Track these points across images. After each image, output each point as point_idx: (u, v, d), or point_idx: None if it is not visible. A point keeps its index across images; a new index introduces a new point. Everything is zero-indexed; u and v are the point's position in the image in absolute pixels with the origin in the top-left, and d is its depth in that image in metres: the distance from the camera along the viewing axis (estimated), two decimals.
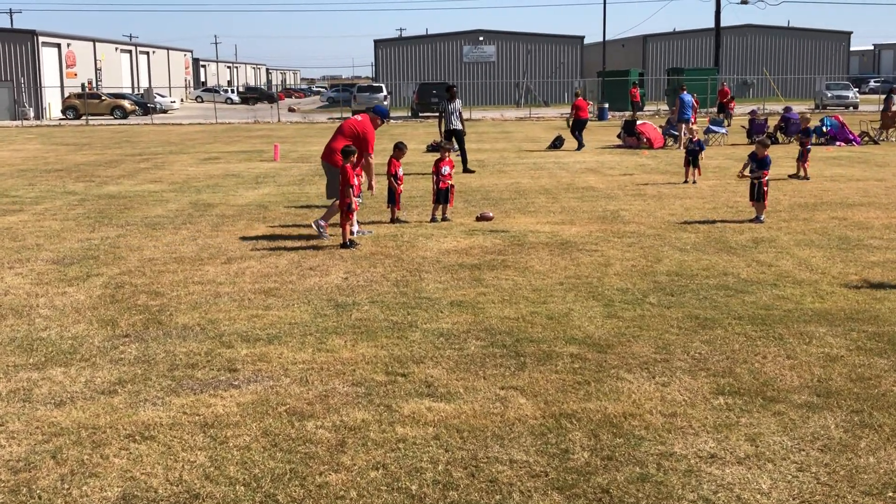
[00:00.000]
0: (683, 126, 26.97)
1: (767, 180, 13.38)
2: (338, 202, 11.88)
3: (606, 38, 61.09)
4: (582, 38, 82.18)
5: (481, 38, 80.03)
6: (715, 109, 43.33)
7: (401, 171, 13.76)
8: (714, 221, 13.38)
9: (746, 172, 13.55)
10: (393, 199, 13.68)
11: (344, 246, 11.45)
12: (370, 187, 12.99)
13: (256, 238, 12.48)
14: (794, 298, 8.66)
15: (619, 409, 5.81)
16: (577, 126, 28.92)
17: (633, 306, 8.44)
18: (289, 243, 12.00)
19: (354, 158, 11.79)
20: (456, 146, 21.87)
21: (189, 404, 6.00)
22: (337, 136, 12.57)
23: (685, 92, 28.43)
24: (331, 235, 12.03)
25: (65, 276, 10.16)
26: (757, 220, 13.21)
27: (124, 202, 16.79)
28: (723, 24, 66.16)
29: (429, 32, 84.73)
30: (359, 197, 14.09)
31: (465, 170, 21.35)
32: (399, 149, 13.80)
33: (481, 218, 13.69)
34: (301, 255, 11.17)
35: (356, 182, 11.74)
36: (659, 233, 12.47)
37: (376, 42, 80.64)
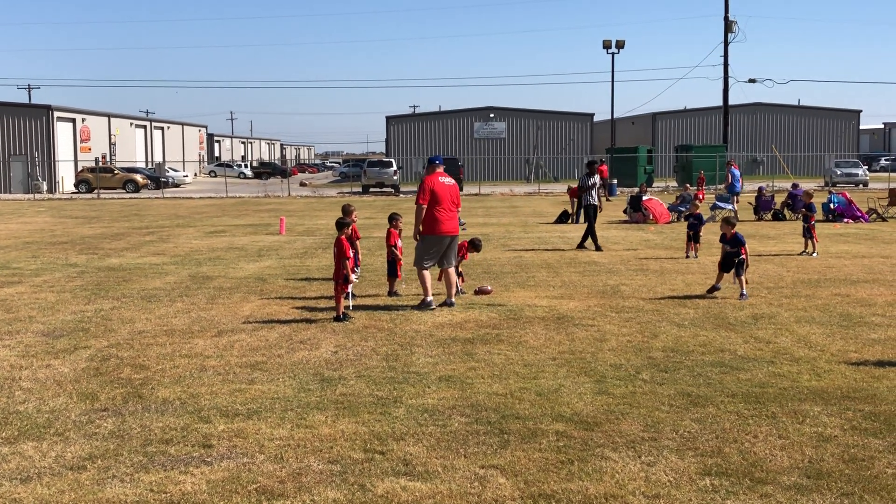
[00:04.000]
0: (735, 197, 28.98)
1: (746, 255, 13.30)
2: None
3: (617, 116, 61.62)
4: (591, 115, 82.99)
5: (492, 115, 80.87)
6: (722, 186, 43.45)
7: (400, 242, 13.70)
8: (715, 297, 13.20)
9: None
10: (394, 271, 13.56)
11: (337, 319, 11.31)
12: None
13: (250, 311, 12.35)
14: (790, 376, 8.45)
15: (601, 490, 5.60)
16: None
17: (624, 382, 8.24)
18: (282, 316, 11.88)
19: (349, 230, 11.72)
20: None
21: (157, 481, 5.82)
22: (452, 207, 12.56)
23: (734, 167, 29.65)
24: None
25: (52, 348, 10.04)
26: (742, 296, 13.03)
27: (124, 274, 16.73)
28: (733, 102, 66.67)
29: (442, 109, 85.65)
30: (357, 269, 14.05)
31: (580, 245, 20.74)
32: (395, 218, 13.78)
33: (479, 292, 13.56)
34: (293, 328, 11.03)
35: (351, 254, 11.66)
36: (658, 308, 12.30)
37: (388, 118, 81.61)
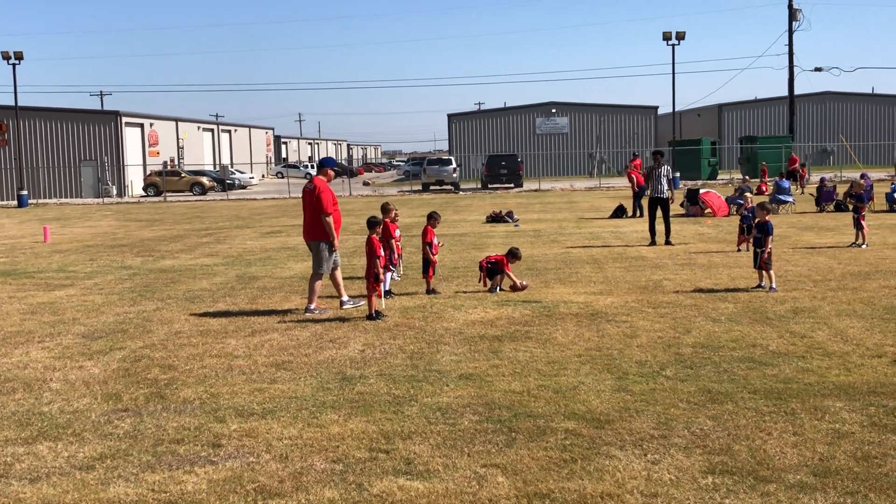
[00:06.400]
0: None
1: (770, 249, 12.95)
2: (318, 282, 12.12)
3: (683, 108, 60.82)
4: (656, 108, 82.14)
5: (554, 110, 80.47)
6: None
7: (436, 241, 13.70)
8: (758, 290, 12.93)
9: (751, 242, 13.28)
10: (427, 269, 13.57)
11: (370, 318, 11.34)
12: (334, 245, 12.26)
13: (287, 310, 12.46)
14: (818, 371, 8.24)
15: (599, 489, 5.52)
16: (637, 195, 29.04)
17: (646, 379, 8.12)
18: (317, 315, 11.94)
19: (380, 230, 11.74)
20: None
21: (160, 481, 5.89)
22: (305, 211, 12.37)
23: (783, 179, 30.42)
24: (326, 308, 12.22)
25: (88, 349, 10.24)
26: (771, 289, 12.77)
27: (173, 276, 17.00)
28: (800, 91, 65.36)
29: (507, 105, 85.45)
30: (396, 268, 14.08)
31: (667, 241, 19.95)
32: (433, 217, 13.79)
33: (514, 288, 13.47)
34: (325, 327, 11.09)
35: (383, 253, 11.68)
36: (697, 303, 12.09)
37: (450, 116, 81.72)
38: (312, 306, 12.12)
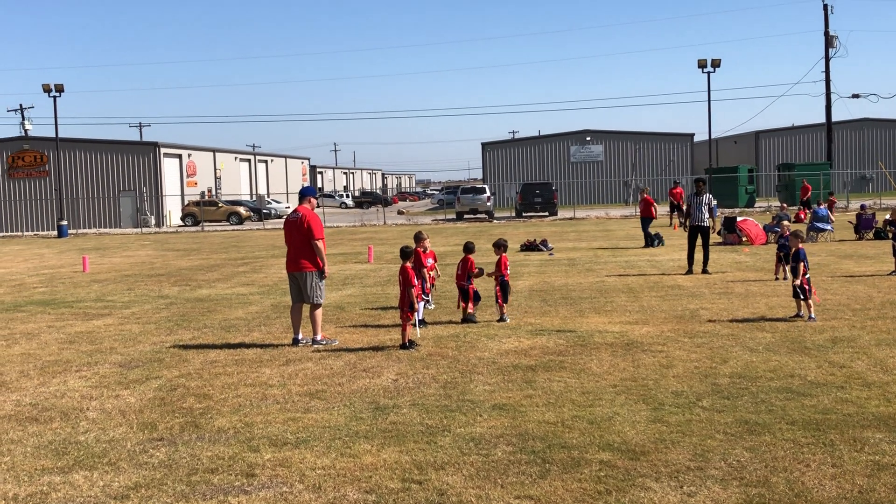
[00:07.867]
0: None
1: (807, 277, 12.79)
2: (318, 310, 12.12)
3: (719, 135, 60.59)
4: (692, 135, 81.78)
5: (588, 138, 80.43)
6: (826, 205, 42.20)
7: (478, 270, 13.74)
8: (796, 320, 12.78)
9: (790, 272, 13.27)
10: (467, 296, 13.54)
11: (403, 347, 11.34)
12: (323, 273, 12.30)
13: (322, 339, 12.47)
14: (857, 402, 8.11)
15: None
16: (644, 223, 29.01)
17: (682, 410, 8.03)
18: (351, 344, 11.98)
19: (413, 259, 11.76)
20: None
21: None
22: (291, 243, 12.24)
23: (821, 207, 30.11)
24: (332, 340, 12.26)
25: (125, 379, 10.32)
26: (809, 318, 12.63)
27: (209, 305, 17.12)
28: (837, 118, 64.86)
29: (541, 134, 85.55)
30: (428, 296, 14.09)
31: (704, 270, 19.81)
32: (470, 250, 13.80)
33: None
34: (359, 356, 11.10)
35: (417, 282, 11.70)
36: (734, 332, 11.97)
37: (484, 145, 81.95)
38: (319, 337, 12.13)
